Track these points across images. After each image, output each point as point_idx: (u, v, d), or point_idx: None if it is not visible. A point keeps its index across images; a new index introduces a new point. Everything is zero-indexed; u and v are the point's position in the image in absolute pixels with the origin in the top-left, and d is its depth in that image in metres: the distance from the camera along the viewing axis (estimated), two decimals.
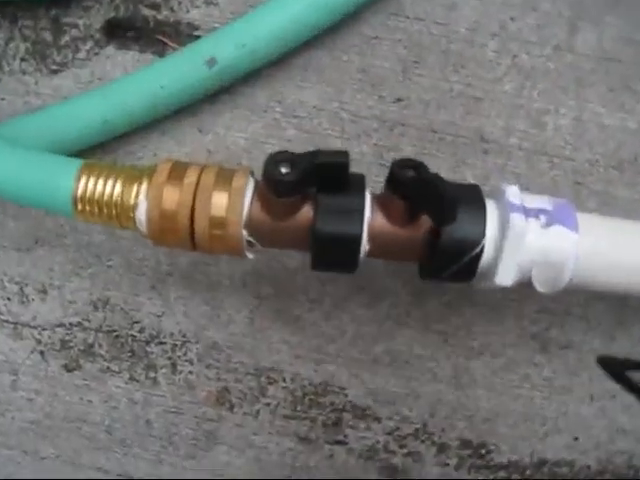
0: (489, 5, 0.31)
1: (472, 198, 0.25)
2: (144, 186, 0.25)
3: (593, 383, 0.34)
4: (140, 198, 0.25)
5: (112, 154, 0.33)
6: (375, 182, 0.32)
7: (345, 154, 0.23)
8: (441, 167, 0.32)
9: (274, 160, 0.23)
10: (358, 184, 0.25)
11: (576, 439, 0.35)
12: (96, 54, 0.33)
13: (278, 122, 0.32)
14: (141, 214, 0.25)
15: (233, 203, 0.24)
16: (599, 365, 0.25)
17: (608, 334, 0.34)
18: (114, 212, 0.26)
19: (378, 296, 0.34)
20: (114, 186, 0.25)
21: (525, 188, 0.32)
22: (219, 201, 0.24)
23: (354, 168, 0.32)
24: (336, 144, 0.32)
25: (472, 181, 0.32)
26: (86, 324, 0.35)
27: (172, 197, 0.25)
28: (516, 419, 0.35)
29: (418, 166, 0.24)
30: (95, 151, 0.33)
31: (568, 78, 0.32)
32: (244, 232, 0.25)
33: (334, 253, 0.25)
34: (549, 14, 0.32)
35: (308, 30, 0.29)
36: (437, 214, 0.23)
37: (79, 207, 0.26)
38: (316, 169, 0.23)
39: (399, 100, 0.32)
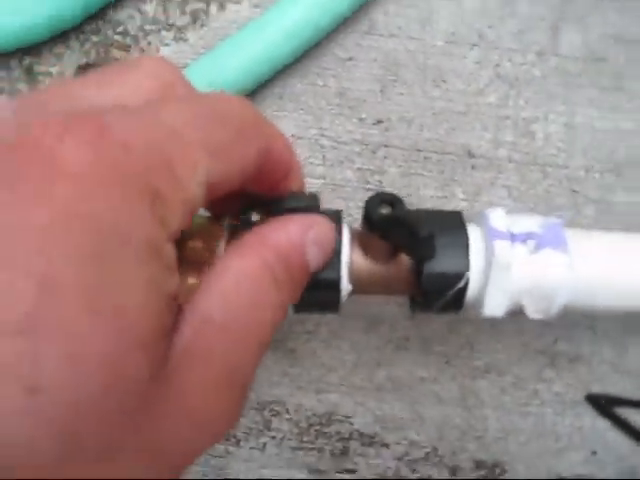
0: (465, 15, 0.30)
1: (453, 228, 0.24)
2: None
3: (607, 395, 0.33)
4: None
5: None
6: (361, 209, 0.31)
7: (314, 198, 0.22)
8: (429, 186, 0.31)
9: (244, 208, 0.23)
10: (335, 223, 0.24)
11: (594, 453, 0.34)
12: None
13: None
14: None
15: None
16: (587, 402, 0.24)
17: (619, 343, 0.33)
18: None
19: (376, 321, 0.33)
20: None
21: (518, 201, 0.31)
22: None
23: (339, 195, 0.31)
24: (318, 172, 0.31)
25: (462, 198, 0.31)
26: None
27: None
28: (528, 437, 0.34)
29: (393, 202, 0.23)
30: None
31: (555, 83, 0.30)
32: None
33: (314, 298, 0.24)
34: (529, 18, 0.30)
35: (277, 63, 0.29)
36: (414, 252, 0.23)
37: None
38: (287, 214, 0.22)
39: (380, 121, 0.31)
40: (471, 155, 0.31)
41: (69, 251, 0.12)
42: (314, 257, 0.20)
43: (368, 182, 0.31)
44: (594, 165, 0.31)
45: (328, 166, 0.31)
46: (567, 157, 0.31)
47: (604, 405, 0.22)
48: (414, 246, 0.22)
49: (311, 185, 0.31)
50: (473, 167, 0.31)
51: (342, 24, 0.30)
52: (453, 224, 0.24)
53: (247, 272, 0.17)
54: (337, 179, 0.31)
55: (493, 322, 0.32)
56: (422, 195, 0.31)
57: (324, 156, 0.31)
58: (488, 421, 0.33)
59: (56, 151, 0.13)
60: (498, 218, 0.24)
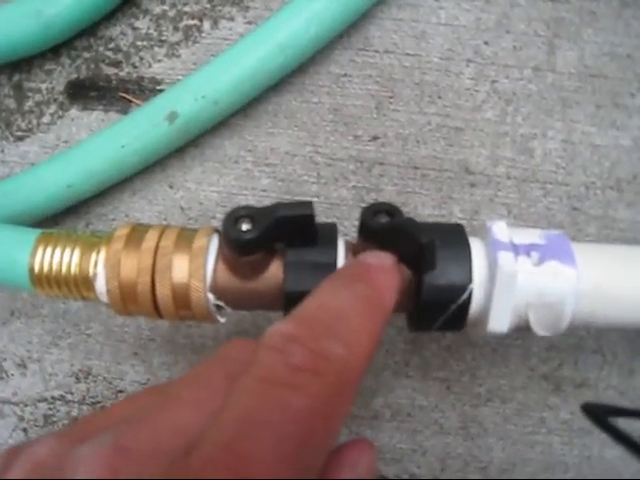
0: (460, 31, 0.30)
1: (454, 240, 0.23)
2: (102, 255, 0.24)
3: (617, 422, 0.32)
4: (98, 268, 0.24)
5: (84, 218, 0.32)
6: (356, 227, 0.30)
7: (308, 205, 0.21)
8: (426, 204, 0.30)
9: (233, 217, 0.22)
10: (329, 235, 0.23)
11: None
12: (60, 117, 0.32)
13: (250, 172, 0.30)
14: (100, 285, 0.24)
15: (195, 266, 0.23)
16: (582, 412, 0.22)
17: (626, 367, 0.31)
18: (73, 284, 0.24)
19: None
20: (71, 257, 0.24)
21: (518, 219, 0.30)
22: (180, 266, 0.23)
23: (334, 214, 0.30)
24: (312, 190, 0.30)
25: (461, 216, 0.30)
26: (69, 397, 0.33)
27: (130, 265, 0.23)
28: (535, 468, 0.32)
29: (391, 211, 0.22)
30: (67, 216, 0.32)
31: (552, 99, 0.30)
32: (210, 296, 0.23)
33: None
34: (525, 35, 0.30)
35: (270, 77, 0.28)
36: (414, 262, 0.21)
37: (37, 282, 0.24)
38: (279, 223, 0.21)
39: (375, 138, 0.30)
40: (469, 172, 0.30)
41: None
42: None
43: (363, 200, 0.30)
44: (595, 182, 0.30)
45: (322, 184, 0.30)
46: (567, 174, 0.30)
47: (600, 416, 0.21)
48: (414, 255, 0.21)
49: None
50: (471, 184, 0.30)
51: (337, 40, 0.30)
52: (454, 236, 0.23)
53: None
54: (332, 197, 0.30)
55: (495, 346, 0.31)
56: (419, 214, 0.30)
57: (319, 174, 0.30)
58: (492, 451, 0.32)
59: None
60: (500, 230, 0.23)
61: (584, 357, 0.31)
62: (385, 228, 0.21)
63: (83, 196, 0.30)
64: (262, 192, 0.30)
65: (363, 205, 0.30)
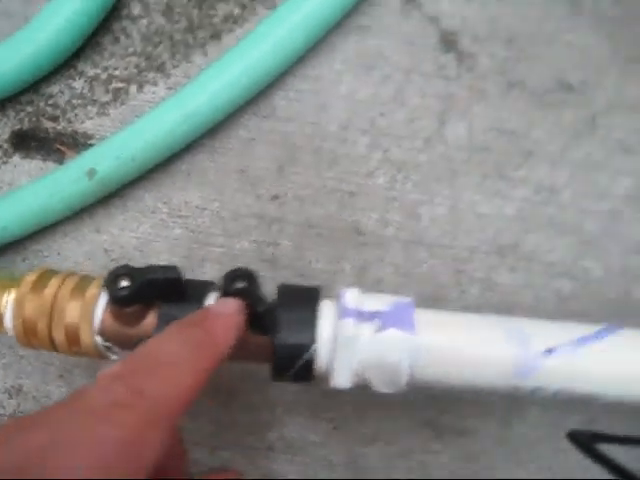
0: (358, 103, 0.33)
1: (305, 303, 0.26)
2: (12, 296, 0.27)
3: (495, 470, 0.34)
4: (7, 307, 0.27)
5: (22, 254, 0.35)
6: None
7: (174, 270, 0.25)
8: (320, 260, 0.33)
9: (114, 275, 0.25)
10: (200, 292, 0.26)
11: None
12: (4, 163, 0.35)
13: (165, 222, 0.34)
14: (8, 321, 0.27)
15: (85, 312, 0.26)
16: (569, 439, 0.24)
17: (503, 419, 0.34)
18: None
19: (267, 382, 0.34)
20: None
21: (404, 278, 0.33)
22: (73, 310, 0.26)
23: (237, 263, 0.34)
24: (218, 241, 0.33)
25: (350, 273, 0.33)
26: (1, 411, 0.37)
27: (32, 306, 0.27)
28: None
29: (248, 277, 0.25)
30: (6, 252, 0.35)
31: (441, 169, 0.33)
32: (99, 338, 0.26)
33: None
34: (418, 108, 0.33)
35: (183, 139, 0.32)
36: (262, 325, 0.25)
37: None
38: (150, 283, 0.25)
39: (276, 197, 0.33)
40: (360, 233, 0.33)
41: None
42: None
43: (263, 253, 0.33)
44: (479, 246, 0.33)
45: (227, 236, 0.33)
46: (452, 238, 0.33)
47: (587, 443, 0.22)
48: (264, 318, 0.24)
49: (212, 253, 0.34)
50: (362, 244, 0.33)
51: (247, 106, 0.33)
52: (306, 299, 0.26)
53: None
54: (235, 249, 0.33)
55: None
56: (313, 268, 0.33)
57: (224, 227, 0.33)
58: None
59: None
60: (351, 297, 0.26)
61: (464, 407, 0.34)
62: (238, 293, 0.24)
63: (18, 237, 0.34)
64: (174, 240, 0.34)
65: (262, 257, 0.33)
